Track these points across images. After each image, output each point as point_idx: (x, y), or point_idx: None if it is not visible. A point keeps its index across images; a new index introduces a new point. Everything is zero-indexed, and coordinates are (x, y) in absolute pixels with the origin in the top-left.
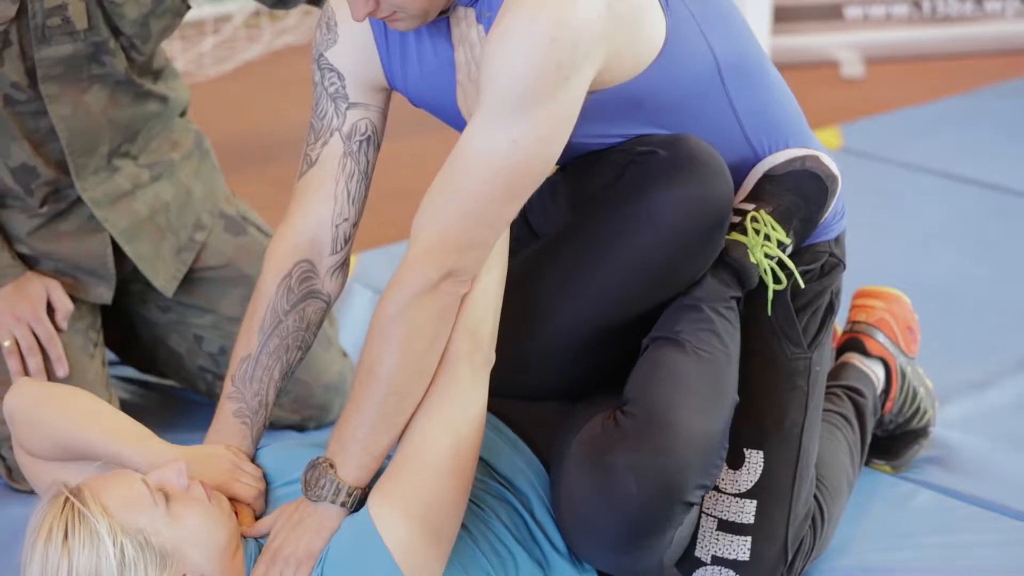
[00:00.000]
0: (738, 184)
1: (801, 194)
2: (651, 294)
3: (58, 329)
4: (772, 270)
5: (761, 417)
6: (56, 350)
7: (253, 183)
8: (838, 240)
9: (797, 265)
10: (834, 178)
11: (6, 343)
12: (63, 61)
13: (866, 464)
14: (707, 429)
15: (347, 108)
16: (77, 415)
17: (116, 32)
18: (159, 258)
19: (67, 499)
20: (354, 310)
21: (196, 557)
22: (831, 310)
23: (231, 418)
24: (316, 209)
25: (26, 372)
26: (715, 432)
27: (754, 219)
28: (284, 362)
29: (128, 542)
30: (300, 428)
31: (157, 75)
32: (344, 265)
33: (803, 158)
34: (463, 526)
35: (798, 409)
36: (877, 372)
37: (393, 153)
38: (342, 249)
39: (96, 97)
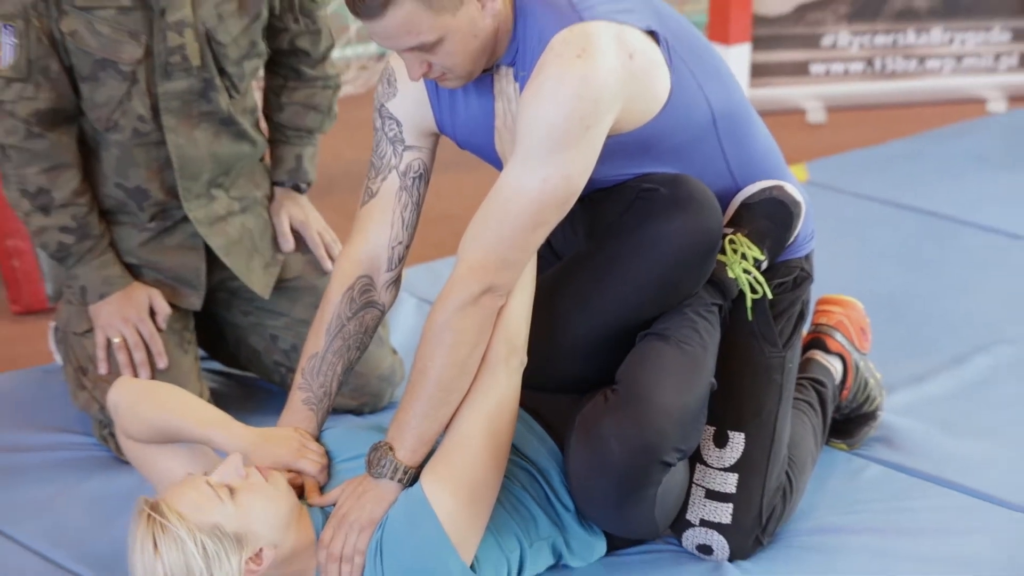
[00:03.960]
0: (721, 209)
1: (771, 218)
2: (652, 307)
3: (159, 329)
4: (750, 283)
5: (742, 405)
6: (157, 346)
7: (316, 209)
8: (808, 257)
9: (774, 278)
10: (798, 204)
11: (116, 340)
12: (179, 95)
13: (826, 443)
14: (682, 402)
15: (403, 150)
16: (171, 406)
17: (221, 71)
18: (251, 270)
19: (149, 514)
20: (402, 315)
21: (266, 532)
22: (802, 317)
23: (300, 405)
24: (376, 234)
25: (132, 365)
26: (689, 405)
27: (732, 240)
28: (346, 359)
29: (206, 538)
30: (358, 412)
31: (251, 114)
32: (397, 281)
33: (772, 188)
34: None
35: (773, 399)
36: (836, 366)
37: (435, 185)
38: (396, 267)
39: (204, 133)
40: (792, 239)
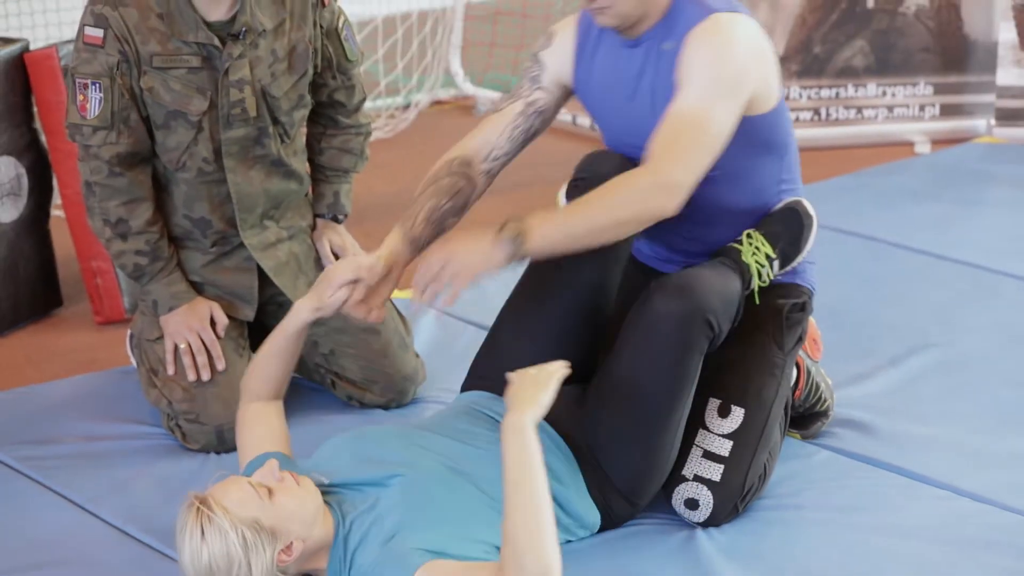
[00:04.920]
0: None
1: (786, 225)
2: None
3: (218, 337)
4: (759, 271)
5: (747, 387)
6: (216, 351)
7: (352, 235)
8: (813, 294)
9: (790, 296)
10: (811, 217)
11: (182, 345)
12: (238, 141)
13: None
14: (720, 288)
15: (536, 88)
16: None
17: (275, 121)
18: (297, 288)
19: (198, 507)
20: (424, 325)
21: (296, 527)
22: (800, 339)
23: (396, 230)
24: (486, 135)
25: (196, 366)
26: (728, 292)
27: (749, 235)
28: (436, 200)
29: (247, 530)
30: (385, 407)
31: (298, 156)
32: (490, 177)
33: (792, 202)
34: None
35: (771, 391)
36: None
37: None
38: (493, 163)
39: (259, 173)
40: (804, 251)
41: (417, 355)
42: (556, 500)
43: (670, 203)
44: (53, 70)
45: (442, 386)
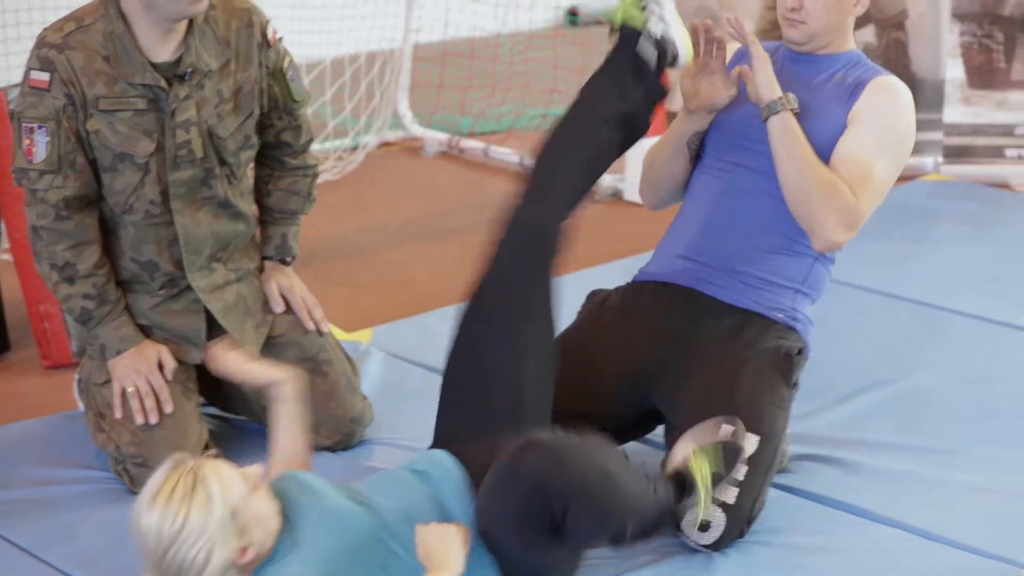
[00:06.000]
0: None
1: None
2: None
3: (166, 380)
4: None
5: (761, 417)
6: (165, 395)
7: (299, 277)
8: (806, 348)
9: (791, 341)
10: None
11: (130, 389)
12: (186, 183)
13: None
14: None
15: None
16: None
17: (221, 162)
18: (244, 331)
19: (193, 472)
20: (371, 367)
21: (259, 535)
22: (797, 384)
23: None
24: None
25: (144, 410)
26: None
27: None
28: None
29: (228, 511)
30: (332, 449)
31: (245, 198)
32: None
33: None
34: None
35: (781, 421)
36: None
37: (400, 254)
38: None
39: (206, 215)
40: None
41: (364, 397)
42: None
43: (842, 234)
44: (0, 114)
45: (390, 428)
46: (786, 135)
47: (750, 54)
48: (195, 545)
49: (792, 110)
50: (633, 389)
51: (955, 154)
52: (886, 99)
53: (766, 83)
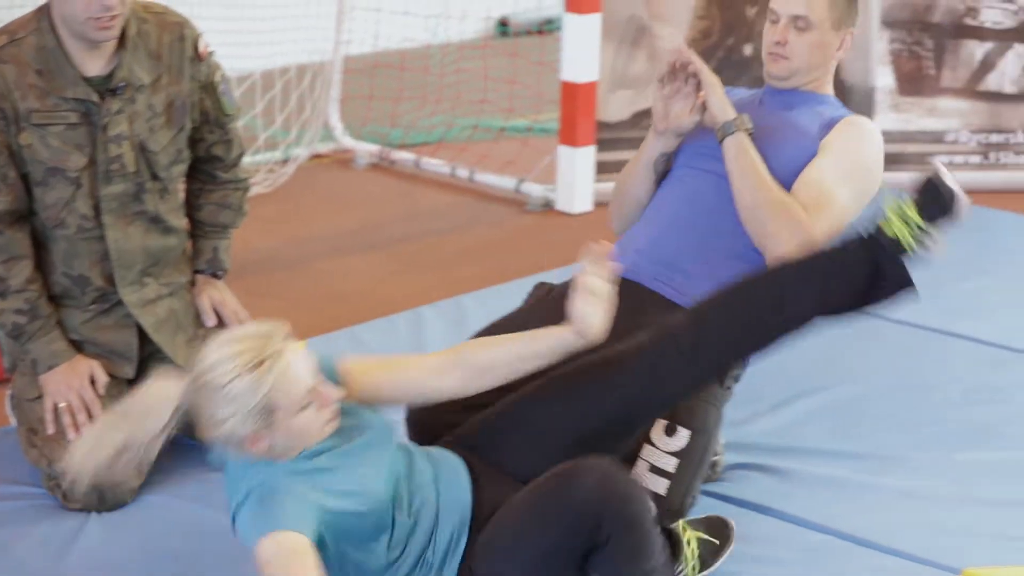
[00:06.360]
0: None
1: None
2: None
3: (98, 395)
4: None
5: (693, 412)
6: (97, 410)
7: (231, 291)
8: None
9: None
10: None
11: (62, 404)
12: (117, 197)
13: None
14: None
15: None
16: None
17: (154, 176)
18: (176, 345)
19: (275, 348)
20: None
21: (281, 442)
22: (737, 379)
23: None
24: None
25: (75, 425)
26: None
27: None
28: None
29: (268, 404)
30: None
31: (176, 212)
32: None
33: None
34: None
35: (713, 418)
36: None
37: (331, 267)
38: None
39: (137, 229)
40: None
41: None
42: None
43: (793, 252)
44: None
45: None
46: (740, 155)
47: (701, 80)
48: (221, 405)
49: (747, 130)
50: None
51: (886, 161)
52: (854, 133)
53: (719, 105)
